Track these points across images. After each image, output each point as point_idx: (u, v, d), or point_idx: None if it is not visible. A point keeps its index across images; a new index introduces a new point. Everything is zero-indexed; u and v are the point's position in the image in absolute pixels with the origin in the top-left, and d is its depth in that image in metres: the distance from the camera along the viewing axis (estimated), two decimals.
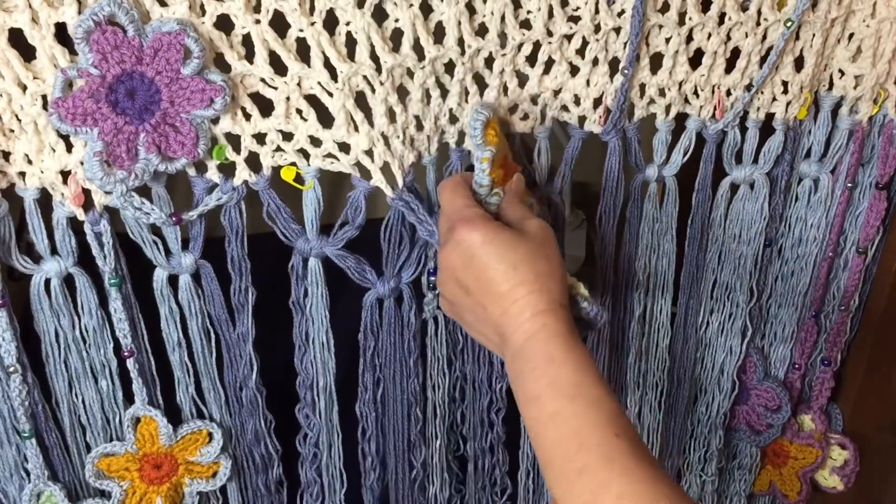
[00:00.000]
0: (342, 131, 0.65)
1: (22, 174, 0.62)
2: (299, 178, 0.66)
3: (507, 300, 0.60)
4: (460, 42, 0.65)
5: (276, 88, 0.62)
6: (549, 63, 0.70)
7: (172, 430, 0.73)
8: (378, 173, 0.67)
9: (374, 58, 0.63)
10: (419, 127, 0.68)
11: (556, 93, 0.71)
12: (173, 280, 0.70)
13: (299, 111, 0.64)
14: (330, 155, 0.66)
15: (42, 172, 0.61)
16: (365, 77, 0.63)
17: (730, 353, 0.91)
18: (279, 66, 0.61)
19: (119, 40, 0.56)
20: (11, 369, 0.67)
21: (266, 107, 0.63)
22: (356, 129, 0.65)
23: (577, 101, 0.72)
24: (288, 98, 0.63)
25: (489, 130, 0.65)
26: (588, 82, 0.71)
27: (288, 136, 0.65)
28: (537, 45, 0.68)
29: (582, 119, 0.73)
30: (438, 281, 0.65)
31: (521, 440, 0.87)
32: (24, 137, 0.60)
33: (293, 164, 0.66)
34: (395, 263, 0.73)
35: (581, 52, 0.69)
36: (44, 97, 0.58)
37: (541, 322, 0.58)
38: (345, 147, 0.66)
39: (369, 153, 0.66)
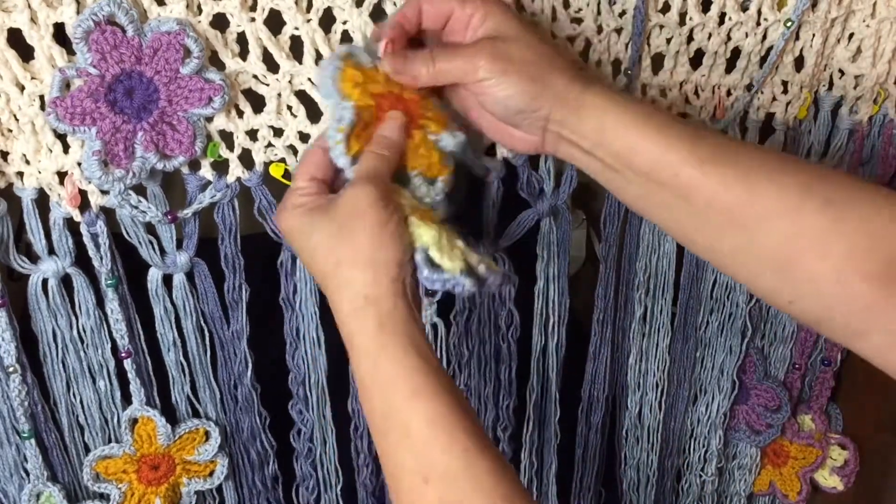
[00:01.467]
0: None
1: (20, 174, 0.62)
2: (287, 175, 0.67)
3: (327, 295, 0.55)
4: None
5: (268, 85, 0.63)
6: None
7: (171, 429, 0.73)
8: None
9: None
10: None
11: None
12: (167, 280, 0.70)
13: (289, 107, 0.64)
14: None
15: (39, 173, 0.61)
16: None
17: (730, 353, 0.91)
18: (271, 63, 0.62)
19: (118, 40, 0.56)
20: (11, 369, 0.67)
21: (258, 103, 0.63)
22: None
23: None
24: (279, 94, 0.63)
25: (346, 81, 0.57)
26: None
27: (279, 132, 0.65)
28: None
29: None
30: None
31: (522, 454, 0.87)
32: (22, 137, 0.60)
33: (282, 160, 0.66)
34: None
35: (584, 53, 0.69)
36: (41, 97, 0.58)
37: (346, 332, 0.53)
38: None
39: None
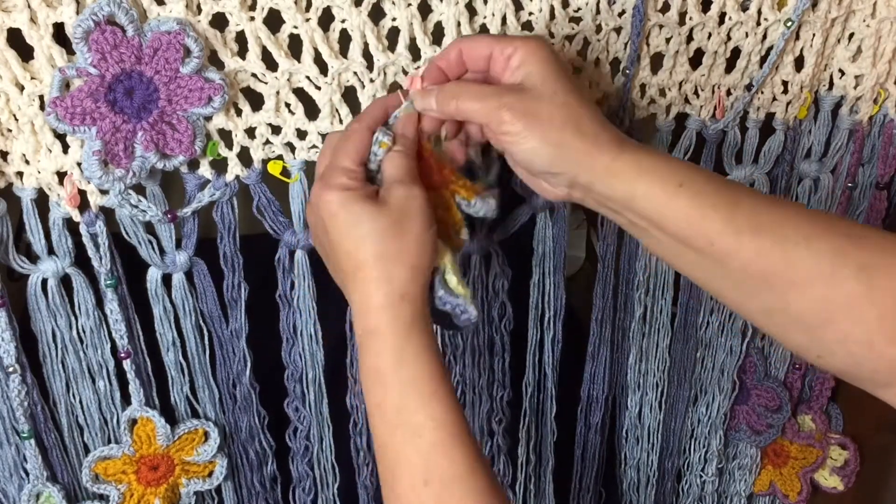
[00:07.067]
0: (326, 123, 0.65)
1: (20, 174, 0.62)
2: (286, 172, 0.67)
3: (348, 285, 0.55)
4: None
5: (266, 83, 0.63)
6: None
7: (170, 430, 0.73)
8: None
9: (367, 55, 0.63)
10: None
11: None
12: (166, 280, 0.70)
13: (287, 105, 0.64)
14: (314, 147, 0.66)
15: (39, 173, 0.61)
16: (355, 73, 0.64)
17: (730, 353, 0.91)
18: (270, 62, 0.62)
19: (118, 40, 0.56)
20: (10, 369, 0.68)
21: (256, 101, 0.64)
22: (340, 121, 0.65)
23: None
24: (278, 92, 0.63)
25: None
26: (589, 83, 0.71)
27: (276, 130, 0.66)
28: None
29: None
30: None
31: (519, 448, 0.87)
32: (22, 137, 0.60)
33: (280, 157, 0.67)
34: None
35: (582, 52, 0.69)
36: (41, 97, 0.58)
37: (373, 324, 0.53)
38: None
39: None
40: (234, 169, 0.66)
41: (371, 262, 0.53)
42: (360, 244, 0.53)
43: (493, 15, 0.65)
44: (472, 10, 0.64)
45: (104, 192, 0.63)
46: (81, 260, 0.66)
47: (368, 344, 0.54)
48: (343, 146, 0.56)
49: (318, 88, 0.64)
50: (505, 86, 0.56)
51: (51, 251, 0.66)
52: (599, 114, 0.56)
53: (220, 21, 0.60)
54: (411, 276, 0.53)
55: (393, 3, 0.62)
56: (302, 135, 0.66)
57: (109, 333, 0.70)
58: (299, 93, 0.64)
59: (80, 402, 0.72)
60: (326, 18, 0.62)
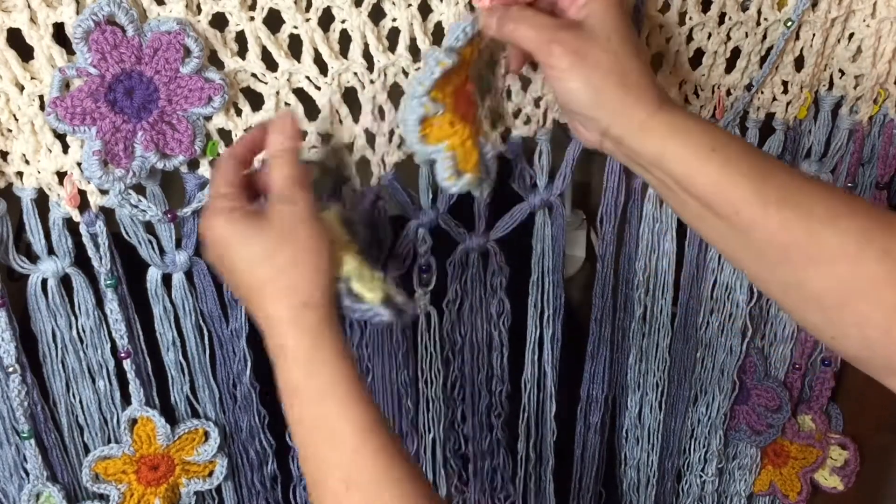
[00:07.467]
0: (325, 124, 0.65)
1: (19, 174, 0.62)
2: None
3: (253, 305, 0.55)
4: None
5: (266, 84, 0.63)
6: None
7: (170, 429, 0.73)
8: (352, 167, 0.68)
9: (367, 56, 0.63)
10: None
11: None
12: (166, 279, 0.70)
13: (287, 105, 0.64)
14: (314, 147, 0.66)
15: (39, 173, 0.61)
16: (356, 74, 0.64)
17: (730, 353, 0.91)
18: (270, 62, 0.62)
19: (118, 40, 0.56)
20: (11, 369, 0.68)
21: (256, 101, 0.64)
22: (340, 122, 0.66)
23: None
24: (277, 93, 0.63)
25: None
26: None
27: None
28: None
29: None
30: None
31: (519, 444, 0.87)
32: (22, 137, 0.60)
33: None
34: (377, 257, 0.72)
35: None
36: (41, 97, 0.58)
37: (281, 340, 0.54)
38: (327, 139, 0.66)
39: (349, 147, 0.67)
40: None
41: (269, 277, 0.54)
42: (253, 262, 0.54)
43: None
44: (472, 11, 0.64)
45: (104, 192, 0.63)
46: (81, 260, 0.66)
47: (280, 360, 0.54)
48: (214, 178, 0.58)
49: (318, 89, 0.64)
50: (565, 21, 0.57)
51: (51, 251, 0.66)
52: (648, 71, 0.56)
53: (219, 21, 0.60)
54: (311, 282, 0.54)
55: (393, 3, 0.62)
56: (301, 135, 0.66)
57: (109, 333, 0.70)
58: (299, 93, 0.64)
59: (80, 401, 0.72)
60: (327, 18, 0.62)
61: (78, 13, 0.55)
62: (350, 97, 0.65)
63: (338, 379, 0.53)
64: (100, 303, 0.69)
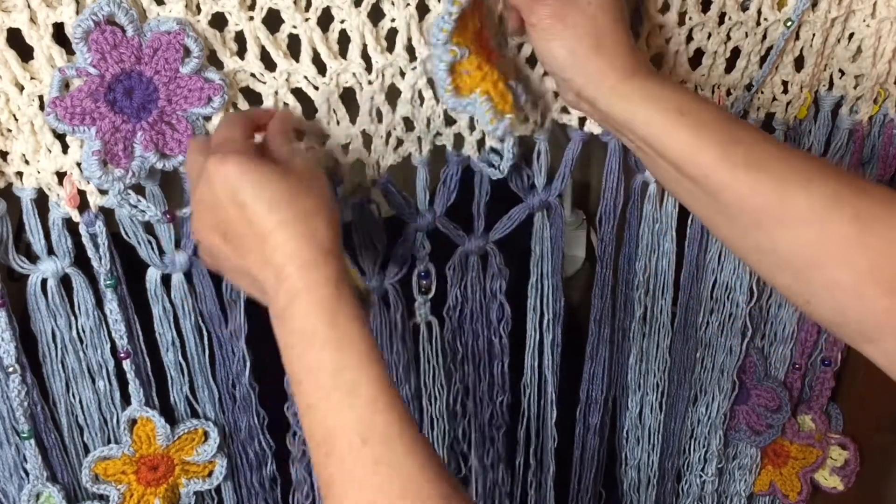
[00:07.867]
0: (324, 123, 0.65)
1: (19, 174, 0.62)
2: None
3: (266, 247, 0.51)
4: None
5: (265, 83, 0.63)
6: None
7: (170, 430, 0.73)
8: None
9: (366, 57, 0.63)
10: (409, 128, 0.68)
11: (557, 94, 0.71)
12: (165, 280, 0.70)
13: (286, 104, 0.64)
14: (313, 147, 0.66)
15: (38, 173, 0.61)
16: (354, 74, 0.64)
17: (730, 353, 0.91)
18: (269, 62, 0.62)
19: (118, 40, 0.56)
20: (10, 369, 0.68)
21: (255, 101, 0.64)
22: (337, 122, 0.66)
23: None
24: (276, 92, 0.63)
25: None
26: None
27: None
28: None
29: (582, 120, 0.73)
30: (192, 228, 0.56)
31: (517, 451, 0.87)
32: (21, 137, 0.60)
33: None
34: (374, 260, 0.72)
35: None
36: (41, 97, 0.58)
37: (300, 284, 0.50)
38: (323, 140, 0.66)
39: (344, 148, 0.67)
40: None
41: (292, 218, 0.51)
42: (272, 204, 0.51)
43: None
44: None
45: (104, 192, 0.63)
46: (81, 260, 0.66)
47: (294, 308, 0.51)
48: (221, 127, 0.57)
49: (317, 89, 0.64)
50: None
51: (51, 251, 0.66)
52: (627, 38, 0.58)
53: (219, 21, 0.60)
54: (332, 230, 0.52)
55: (392, 3, 0.62)
56: (300, 135, 0.66)
57: (109, 333, 0.70)
58: (297, 93, 0.64)
59: (80, 402, 0.72)
60: (326, 19, 0.61)
61: (78, 13, 0.55)
62: (348, 97, 0.65)
63: (359, 334, 0.50)
64: (99, 303, 0.69)
